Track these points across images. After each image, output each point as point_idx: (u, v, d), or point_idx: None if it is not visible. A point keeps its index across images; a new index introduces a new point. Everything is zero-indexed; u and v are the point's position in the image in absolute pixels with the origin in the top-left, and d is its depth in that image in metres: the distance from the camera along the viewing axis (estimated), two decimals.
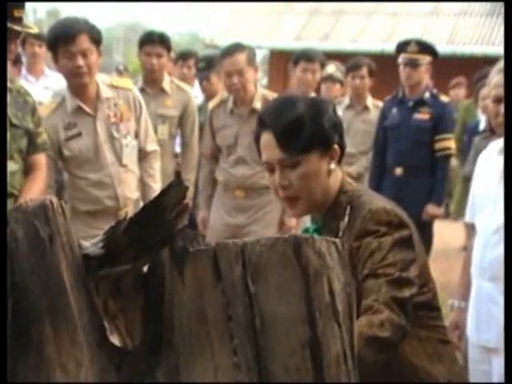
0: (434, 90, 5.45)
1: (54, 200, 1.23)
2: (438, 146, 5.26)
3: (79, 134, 3.69)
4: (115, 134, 3.74)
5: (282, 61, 12.96)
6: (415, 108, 5.30)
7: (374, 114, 5.70)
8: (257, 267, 1.19)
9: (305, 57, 5.18)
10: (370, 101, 5.82)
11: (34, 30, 4.03)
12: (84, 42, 3.51)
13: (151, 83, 4.93)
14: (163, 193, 1.25)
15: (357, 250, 1.79)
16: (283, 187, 1.87)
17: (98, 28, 3.68)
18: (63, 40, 3.50)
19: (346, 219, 1.85)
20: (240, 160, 4.48)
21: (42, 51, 6.41)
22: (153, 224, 1.24)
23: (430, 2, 13.42)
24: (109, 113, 3.72)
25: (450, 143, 5.31)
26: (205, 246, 1.22)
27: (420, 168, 5.26)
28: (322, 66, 5.32)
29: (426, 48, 5.32)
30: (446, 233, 7.41)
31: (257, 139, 1.94)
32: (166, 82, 4.97)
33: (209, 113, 4.67)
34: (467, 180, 5.95)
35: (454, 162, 7.20)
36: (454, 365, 1.99)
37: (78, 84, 3.61)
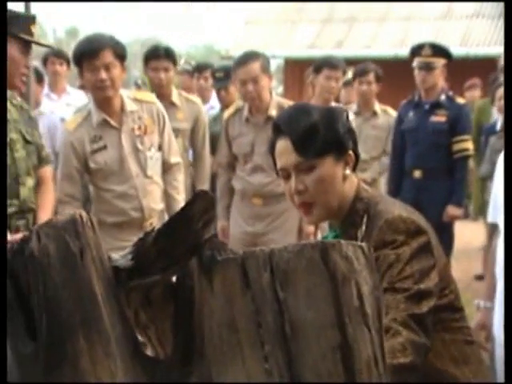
0: (450, 92, 5.41)
1: (83, 214, 1.23)
2: (456, 147, 5.22)
3: (105, 147, 3.71)
4: (139, 147, 3.75)
5: (297, 69, 12.96)
6: (432, 111, 5.27)
7: (382, 119, 5.64)
8: (285, 274, 1.18)
9: (328, 64, 5.05)
10: (377, 106, 5.77)
11: (50, 43, 4.18)
12: (107, 56, 3.54)
13: (160, 98, 4.87)
14: (190, 203, 1.25)
15: (375, 261, 1.77)
16: (299, 192, 1.86)
17: (123, 44, 3.71)
18: (87, 54, 3.54)
19: (364, 228, 1.84)
20: (257, 168, 4.45)
21: (63, 69, 6.47)
22: (180, 234, 1.24)
23: (442, 1, 13.34)
24: (133, 126, 3.73)
25: (467, 144, 5.28)
26: (232, 255, 1.22)
27: (438, 170, 5.22)
28: (344, 73, 5.25)
29: (440, 51, 5.30)
30: (466, 233, 7.36)
31: (272, 147, 1.93)
32: (175, 96, 4.94)
33: (224, 122, 4.64)
34: (484, 180, 5.90)
35: (471, 162, 7.17)
36: (481, 365, 1.96)
37: (101, 97, 3.64)
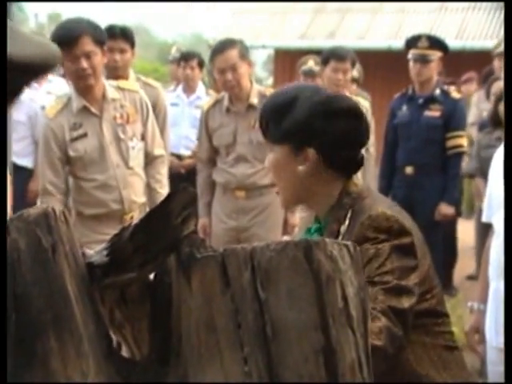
0: (445, 86, 5.42)
1: (57, 207, 1.21)
2: (450, 143, 5.23)
3: (85, 135, 3.70)
4: (121, 136, 3.74)
5: (288, 60, 12.95)
6: (425, 105, 5.27)
7: None
8: (267, 273, 1.17)
9: (335, 56, 4.95)
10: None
11: None
12: (87, 43, 3.52)
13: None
14: (169, 198, 1.24)
15: None
16: (268, 170, 1.89)
17: (102, 28, 3.68)
18: (66, 43, 3.49)
19: (347, 223, 1.82)
20: (240, 158, 4.43)
21: None
22: (159, 230, 1.23)
23: (437, 1, 13.38)
24: (115, 114, 3.72)
25: (462, 140, 5.28)
26: (212, 252, 1.21)
27: (431, 166, 5.23)
28: (353, 64, 5.14)
29: (436, 43, 5.30)
30: (458, 231, 7.37)
31: None
32: (132, 80, 4.76)
33: (203, 114, 4.59)
34: (470, 176, 5.90)
35: (465, 159, 7.17)
36: (461, 371, 1.94)
37: (83, 86, 3.63)
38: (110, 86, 3.73)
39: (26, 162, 5.97)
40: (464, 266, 6.85)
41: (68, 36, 3.52)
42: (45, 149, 3.69)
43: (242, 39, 4.54)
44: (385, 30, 13.41)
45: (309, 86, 2.05)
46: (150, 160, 3.89)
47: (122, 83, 3.93)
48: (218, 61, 4.29)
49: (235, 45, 4.33)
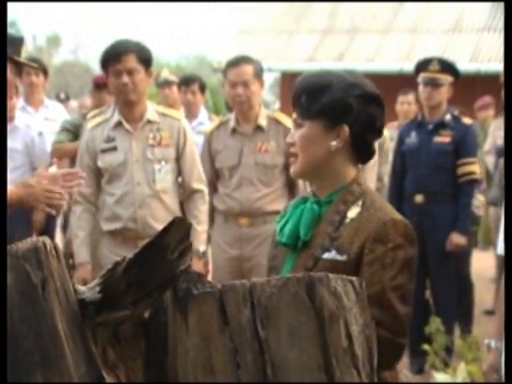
0: (456, 112, 5.42)
1: (47, 241, 1.21)
2: (461, 170, 5.21)
3: (114, 148, 3.92)
4: (149, 156, 3.91)
5: (295, 83, 12.98)
6: (435, 131, 5.26)
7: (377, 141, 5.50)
8: (267, 310, 1.17)
9: None
10: None
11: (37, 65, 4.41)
12: (131, 60, 3.77)
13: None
14: (164, 231, 1.24)
15: (369, 252, 1.89)
16: (290, 144, 2.05)
17: (149, 49, 3.91)
18: (112, 59, 3.78)
19: (358, 210, 1.96)
20: (244, 181, 4.39)
21: (40, 80, 6.42)
22: (154, 265, 1.23)
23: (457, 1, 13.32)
24: (148, 134, 3.92)
25: (474, 167, 5.26)
26: (210, 288, 1.20)
27: (442, 194, 5.20)
28: None
29: (448, 67, 5.31)
30: (475, 263, 7.33)
31: None
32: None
33: (207, 136, 4.60)
34: (493, 205, 5.87)
35: (483, 185, 7.14)
36: None
37: (123, 101, 3.85)
38: (152, 110, 3.96)
39: None
40: (481, 299, 6.79)
41: (114, 52, 3.79)
42: (78, 158, 4.00)
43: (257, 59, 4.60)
44: (396, 52, 13.45)
45: (337, 71, 2.22)
46: (188, 194, 4.00)
47: (167, 110, 4.15)
48: (231, 74, 4.35)
49: (251, 62, 4.44)
